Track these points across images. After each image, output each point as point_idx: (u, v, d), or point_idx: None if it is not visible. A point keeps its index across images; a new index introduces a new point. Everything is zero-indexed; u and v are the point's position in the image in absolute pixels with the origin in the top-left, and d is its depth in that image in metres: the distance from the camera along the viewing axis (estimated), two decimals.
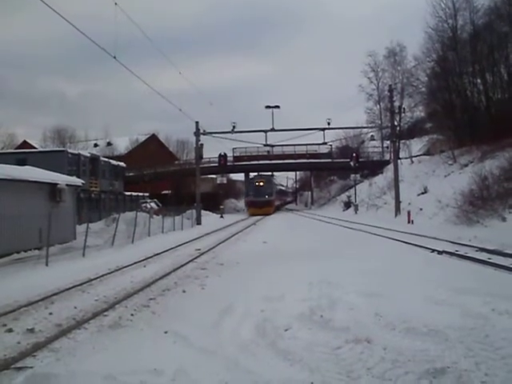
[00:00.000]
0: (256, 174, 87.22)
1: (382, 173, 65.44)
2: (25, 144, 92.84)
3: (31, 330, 9.77)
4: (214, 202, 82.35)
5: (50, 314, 11.28)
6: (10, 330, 9.81)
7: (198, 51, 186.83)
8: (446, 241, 22.98)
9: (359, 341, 7.86)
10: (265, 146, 57.97)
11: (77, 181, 33.15)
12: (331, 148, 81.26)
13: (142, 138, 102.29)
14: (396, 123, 54.82)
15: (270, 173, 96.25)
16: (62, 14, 16.22)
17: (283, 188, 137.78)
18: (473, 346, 7.42)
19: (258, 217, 67.25)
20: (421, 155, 62.35)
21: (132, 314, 10.83)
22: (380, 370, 6.76)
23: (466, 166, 41.69)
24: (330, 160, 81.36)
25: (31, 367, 7.55)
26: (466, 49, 48.81)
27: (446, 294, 10.78)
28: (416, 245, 22.41)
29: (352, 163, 56.79)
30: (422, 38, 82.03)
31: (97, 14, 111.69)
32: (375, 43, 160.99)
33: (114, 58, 21.21)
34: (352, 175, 73.20)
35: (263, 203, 76.63)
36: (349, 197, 67.92)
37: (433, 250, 20.23)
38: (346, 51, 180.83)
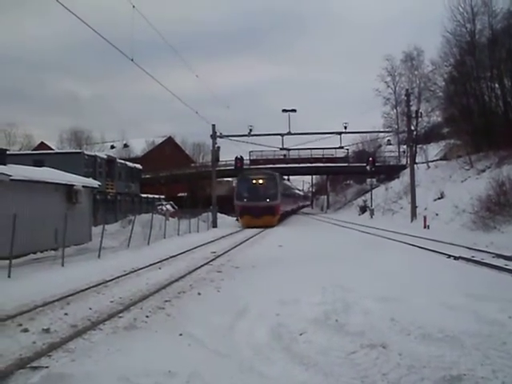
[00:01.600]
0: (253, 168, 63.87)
1: (398, 177, 65.21)
2: (42, 145, 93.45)
3: (47, 330, 9.81)
4: (229, 204, 67.01)
5: (66, 314, 11.32)
6: (26, 330, 9.86)
7: (214, 53, 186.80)
8: (463, 246, 22.85)
9: (374, 346, 7.82)
10: (281, 149, 57.87)
11: (93, 182, 33.28)
12: (348, 152, 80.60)
13: (159, 141, 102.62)
14: (413, 128, 54.72)
15: (276, 166, 73.08)
16: (80, 16, 16.22)
17: (299, 191, 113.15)
18: (489, 353, 7.32)
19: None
20: (437, 160, 62.07)
21: (147, 316, 10.85)
22: (395, 375, 6.72)
23: (483, 171, 41.47)
24: (346, 164, 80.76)
25: (46, 367, 7.58)
26: (484, 53, 48.55)
27: (461, 299, 10.68)
28: (432, 250, 22.30)
29: (368, 167, 56.61)
30: (439, 42, 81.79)
31: (114, 16, 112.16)
32: (392, 47, 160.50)
33: (132, 60, 21.26)
34: (368, 179, 72.91)
35: (262, 210, 47.72)
36: (365, 201, 67.69)
37: (449, 256, 20.12)
38: (363, 55, 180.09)
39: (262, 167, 67.81)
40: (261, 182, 50.47)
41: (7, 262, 16.64)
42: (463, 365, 6.92)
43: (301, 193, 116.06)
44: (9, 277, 16.08)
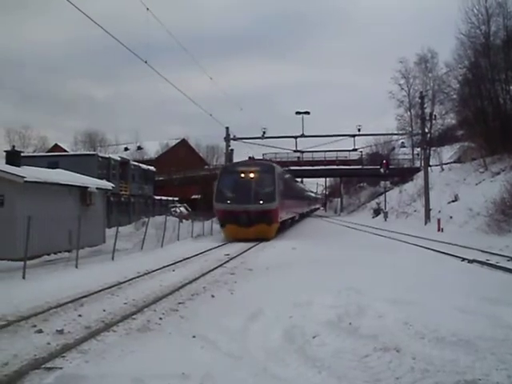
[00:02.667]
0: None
1: (412, 180, 64.93)
2: (56, 147, 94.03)
3: (60, 332, 9.84)
4: None
5: (80, 315, 11.36)
6: (40, 331, 9.90)
7: (227, 55, 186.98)
8: (477, 250, 22.73)
9: (388, 349, 7.79)
10: (295, 151, 57.76)
11: (107, 184, 33.44)
12: (361, 154, 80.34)
13: (172, 143, 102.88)
14: (427, 130, 54.37)
15: (290, 168, 66.48)
16: (95, 19, 16.22)
17: (311, 193, 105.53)
18: (505, 358, 7.25)
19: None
20: (451, 163, 61.90)
21: (160, 318, 10.87)
22: (409, 380, 6.69)
23: (498, 174, 41.25)
24: (360, 167, 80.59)
25: (61, 368, 7.62)
26: (499, 55, 48.24)
27: (476, 303, 10.60)
28: (446, 253, 22.23)
29: (382, 170, 56.53)
30: (453, 44, 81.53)
31: (128, 18, 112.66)
32: (406, 49, 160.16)
33: (146, 62, 21.32)
34: (382, 182, 72.75)
35: (253, 217, 33.41)
36: (378, 204, 67.51)
37: (463, 259, 20.04)
38: (378, 57, 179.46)
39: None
40: (251, 175, 34.64)
41: (22, 263, 16.72)
42: (478, 369, 6.88)
43: (312, 194, 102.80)
44: (23, 278, 16.18)
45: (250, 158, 47.18)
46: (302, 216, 66.38)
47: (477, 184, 43.29)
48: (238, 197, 33.80)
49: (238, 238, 32.47)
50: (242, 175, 34.80)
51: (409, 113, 75.11)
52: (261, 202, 33.19)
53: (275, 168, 36.58)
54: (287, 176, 48.39)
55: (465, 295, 11.43)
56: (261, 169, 35.78)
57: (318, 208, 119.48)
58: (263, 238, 32.09)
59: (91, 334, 9.72)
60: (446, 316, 9.45)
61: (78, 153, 68.43)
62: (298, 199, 57.59)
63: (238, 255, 24.23)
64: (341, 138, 52.93)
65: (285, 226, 41.56)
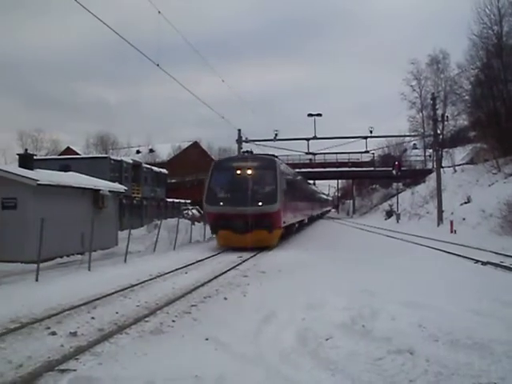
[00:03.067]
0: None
1: (424, 182, 64.71)
2: (68, 150, 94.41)
3: (74, 334, 9.86)
4: None
5: (93, 318, 11.38)
6: (54, 333, 9.93)
7: (238, 57, 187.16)
8: (490, 251, 22.64)
9: (401, 352, 7.75)
10: (307, 154, 57.71)
11: (119, 187, 33.52)
12: (373, 156, 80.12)
13: (185, 145, 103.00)
14: (439, 132, 54.19)
15: (302, 170, 64.65)
16: (107, 22, 16.27)
17: (323, 195, 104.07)
18: None
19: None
20: (464, 164, 61.54)
21: (173, 321, 10.87)
22: (423, 383, 6.68)
23: (511, 175, 41.04)
24: (372, 168, 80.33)
25: (74, 370, 7.64)
26: None
27: (490, 305, 10.56)
28: (459, 255, 22.12)
29: (394, 172, 56.36)
30: (465, 44, 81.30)
31: (140, 22, 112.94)
32: (418, 51, 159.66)
33: (158, 65, 21.37)
34: (394, 184, 72.57)
35: (251, 221, 28.09)
36: (391, 206, 67.33)
37: (476, 261, 19.92)
38: (388, 58, 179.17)
39: None
40: (249, 172, 29.67)
41: (35, 265, 16.79)
42: (493, 373, 6.84)
43: (323, 195, 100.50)
44: (36, 280, 16.25)
45: (246, 151, 38.23)
46: (312, 219, 60.93)
47: (490, 185, 43.06)
48: (232, 197, 28.82)
49: (232, 245, 27.90)
50: (238, 172, 29.67)
51: (421, 114, 74.99)
52: (259, 203, 28.01)
53: (277, 163, 30.90)
54: (293, 173, 43.02)
55: (479, 297, 11.38)
56: (260, 164, 30.35)
57: (330, 210, 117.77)
58: (263, 247, 27.73)
59: (104, 336, 9.74)
60: (459, 318, 9.42)
61: (91, 156, 68.76)
62: (307, 200, 52.28)
63: (251, 257, 24.19)
64: (353, 139, 52.90)
65: (290, 231, 36.45)
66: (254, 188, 28.62)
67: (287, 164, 50.47)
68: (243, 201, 27.74)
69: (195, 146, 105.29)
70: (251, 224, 27.21)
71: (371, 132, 50.37)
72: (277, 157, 34.69)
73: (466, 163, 61.95)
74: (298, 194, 42.30)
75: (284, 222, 30.43)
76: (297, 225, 40.18)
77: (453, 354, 7.64)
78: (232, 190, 29.22)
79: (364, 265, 18.43)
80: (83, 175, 30.90)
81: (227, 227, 28.19)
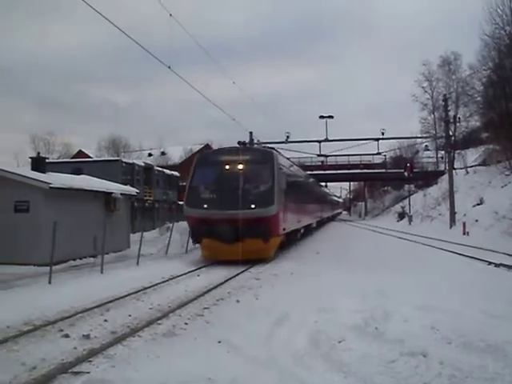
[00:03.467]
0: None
1: (436, 183, 64.50)
2: (80, 153, 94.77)
3: (87, 337, 9.90)
4: None
5: (105, 321, 11.42)
6: (67, 336, 9.98)
7: (249, 59, 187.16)
8: (503, 253, 22.54)
9: (414, 354, 7.71)
10: (318, 156, 57.56)
11: (131, 190, 33.58)
12: (385, 158, 79.82)
13: (196, 148, 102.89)
14: (451, 133, 53.98)
15: (313, 172, 61.21)
16: (119, 25, 16.33)
17: (335, 196, 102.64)
18: None
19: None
20: (476, 165, 61.20)
21: (186, 323, 10.88)
22: None
23: None
24: (383, 170, 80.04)
25: (87, 372, 7.67)
26: None
27: (503, 308, 10.49)
28: (472, 257, 22.02)
29: (406, 173, 56.16)
30: (477, 45, 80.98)
31: (152, 24, 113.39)
32: (429, 51, 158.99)
33: (169, 67, 21.39)
34: (406, 186, 72.32)
35: (242, 228, 22.38)
36: (403, 207, 67.17)
37: (489, 263, 19.85)
38: (399, 60, 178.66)
39: None
40: (240, 167, 24.40)
41: (47, 268, 16.85)
42: (508, 376, 6.80)
43: (334, 197, 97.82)
44: (49, 283, 16.30)
45: (239, 142, 31.27)
46: (322, 222, 57.22)
47: (502, 187, 42.84)
48: (218, 199, 23.49)
49: (219, 257, 23.18)
50: (226, 167, 24.47)
51: (432, 116, 74.64)
52: (252, 205, 22.83)
53: (275, 156, 25.42)
54: (296, 170, 36.95)
55: (492, 299, 11.32)
56: (253, 157, 25.03)
57: (341, 212, 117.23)
58: (258, 259, 22.95)
59: (117, 339, 9.77)
60: (473, 320, 9.36)
61: (102, 159, 68.85)
62: (315, 202, 47.69)
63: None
64: (364, 141, 52.73)
65: (293, 239, 31.68)
66: (245, 187, 23.41)
67: (299, 166, 49.16)
68: (232, 203, 22.56)
69: (207, 148, 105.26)
70: (242, 231, 22.01)
71: (383, 134, 50.16)
72: (276, 150, 28.30)
73: (479, 164, 61.63)
74: (304, 195, 37.48)
75: (284, 229, 25.61)
76: (302, 230, 35.62)
77: (466, 356, 7.59)
78: (218, 189, 23.98)
79: (376, 267, 18.37)
80: (95, 178, 30.98)
81: (212, 235, 22.96)
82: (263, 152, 26.54)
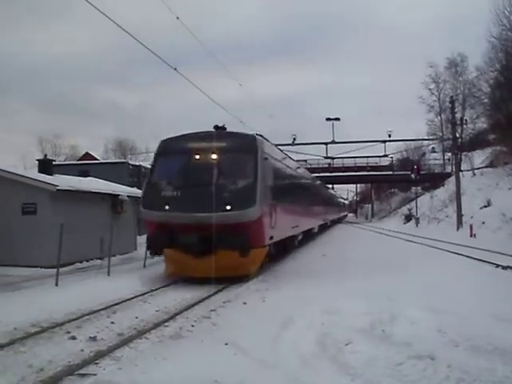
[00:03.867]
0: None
1: (443, 185, 64.30)
2: (87, 155, 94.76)
3: (93, 338, 9.91)
4: None
5: (112, 323, 11.43)
6: (74, 338, 9.99)
7: (255, 62, 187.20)
8: (511, 256, 22.41)
9: (422, 357, 7.70)
10: (325, 158, 57.59)
11: (138, 192, 33.58)
12: (392, 160, 79.68)
13: None
14: (458, 135, 53.85)
15: (320, 174, 59.15)
16: (123, 26, 16.33)
17: (341, 199, 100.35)
18: None
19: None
20: (483, 167, 61.03)
21: (193, 325, 10.86)
22: None
23: None
24: (390, 172, 79.85)
25: (94, 374, 7.67)
26: None
27: (511, 310, 10.47)
28: (479, 259, 21.94)
29: (413, 176, 56.10)
30: (484, 47, 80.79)
31: (158, 26, 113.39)
32: (435, 53, 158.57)
33: (175, 69, 21.41)
34: (413, 188, 72.22)
35: (214, 237, 16.62)
36: (410, 210, 67.00)
37: (497, 265, 19.75)
38: (406, 61, 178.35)
39: None
40: (213, 157, 19.09)
41: (54, 270, 16.88)
42: None
43: (340, 199, 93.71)
44: (56, 285, 16.33)
45: (216, 127, 21.22)
46: (325, 226, 52.68)
47: (510, 188, 42.64)
48: (184, 198, 18.04)
49: (186, 273, 18.19)
50: (196, 157, 18.98)
51: (439, 117, 74.51)
52: (228, 206, 17.47)
53: (258, 143, 19.68)
54: (291, 164, 29.69)
55: (500, 302, 11.31)
56: (231, 145, 19.28)
57: (347, 215, 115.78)
58: (236, 277, 17.68)
59: (124, 341, 9.77)
60: (480, 323, 9.35)
61: (109, 161, 69.03)
62: (317, 203, 41.60)
63: (269, 262, 24.08)
64: (371, 143, 52.72)
65: (287, 248, 26.23)
66: (219, 182, 18.15)
67: (305, 168, 46.12)
68: (201, 203, 17.43)
69: None
70: (214, 241, 16.71)
71: (390, 136, 50.16)
72: (262, 136, 21.63)
73: (486, 166, 61.48)
74: (302, 195, 32.08)
75: (272, 237, 20.05)
76: (300, 237, 30.64)
77: (474, 359, 7.57)
78: (184, 185, 18.47)
79: (383, 269, 18.35)
80: (102, 180, 31.07)
81: (176, 246, 17.77)
82: (244, 138, 20.07)
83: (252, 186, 18.19)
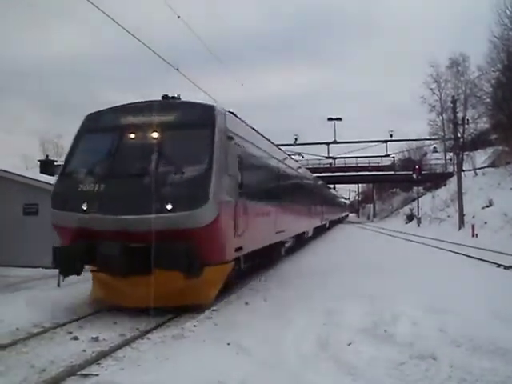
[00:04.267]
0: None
1: (445, 185, 64.29)
2: None
3: (96, 339, 9.91)
4: None
5: (115, 323, 11.43)
6: (76, 338, 10.02)
7: (257, 62, 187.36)
8: None
9: (424, 357, 7.71)
10: (327, 158, 57.56)
11: None
12: (393, 160, 79.68)
13: None
14: (459, 135, 53.79)
15: (322, 174, 58.10)
16: (127, 27, 16.32)
17: (342, 199, 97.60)
18: None
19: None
20: (485, 167, 61.02)
21: (194, 326, 10.83)
22: None
23: None
24: (392, 172, 79.82)
25: (96, 375, 7.69)
26: None
27: None
28: (481, 259, 21.95)
29: (414, 175, 56.07)
30: (485, 47, 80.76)
31: (160, 26, 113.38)
32: (437, 53, 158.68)
33: (177, 70, 21.41)
34: (414, 188, 72.20)
35: (151, 249, 11.07)
36: (411, 209, 67.03)
37: (499, 265, 19.75)
38: (407, 61, 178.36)
39: None
40: (153, 136, 13.13)
41: (56, 271, 16.83)
42: None
43: (340, 198, 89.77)
44: (58, 286, 16.30)
45: (165, 97, 14.67)
46: (323, 228, 47.59)
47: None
48: (108, 194, 12.67)
49: (114, 303, 12.93)
50: (130, 136, 13.67)
51: (441, 117, 74.48)
52: (168, 206, 12.06)
53: (218, 116, 13.68)
54: (272, 149, 22.10)
55: (502, 302, 11.27)
56: (178, 118, 13.66)
57: (348, 215, 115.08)
58: (185, 307, 12.62)
59: (126, 341, 9.78)
60: (482, 323, 9.33)
61: None
62: (311, 202, 34.48)
63: (273, 262, 24.03)
64: (373, 143, 52.70)
65: (269, 259, 20.77)
66: (160, 171, 12.62)
67: (307, 168, 43.65)
68: (132, 201, 12.21)
69: None
70: (151, 256, 11.35)
71: (391, 136, 50.12)
72: (233, 113, 15.95)
73: (488, 166, 61.48)
74: (288, 191, 24.97)
75: (239, 248, 14.28)
76: (289, 243, 25.82)
77: (476, 359, 7.57)
78: (110, 175, 12.94)
79: (383, 270, 18.30)
80: None
81: (97, 262, 12.59)
82: (197, 109, 13.96)
83: (204, 175, 12.32)
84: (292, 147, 51.56)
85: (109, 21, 15.02)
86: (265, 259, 19.65)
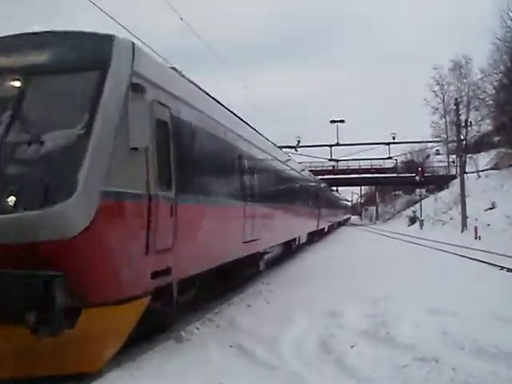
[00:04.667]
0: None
1: (447, 187, 64.16)
2: None
3: None
4: None
5: None
6: None
7: (259, 64, 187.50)
8: None
9: (426, 359, 7.69)
10: (330, 160, 57.51)
11: None
12: (396, 162, 79.56)
13: None
14: (462, 137, 53.75)
15: (324, 177, 57.53)
16: (129, 28, 16.23)
17: (346, 201, 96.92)
18: None
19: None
20: (488, 169, 60.89)
21: (197, 328, 10.82)
22: None
23: None
24: (395, 175, 79.69)
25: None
26: None
27: None
28: (483, 262, 21.87)
29: (417, 178, 55.99)
30: (488, 49, 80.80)
31: (163, 27, 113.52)
32: (440, 56, 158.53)
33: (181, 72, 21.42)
34: (417, 190, 72.11)
35: None
36: (414, 212, 66.87)
37: (502, 268, 19.69)
38: (409, 63, 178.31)
39: None
40: (15, 85, 7.80)
41: None
42: None
43: (343, 201, 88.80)
44: None
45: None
46: (321, 233, 43.48)
47: None
48: None
49: None
50: None
51: (444, 120, 74.49)
52: (10, 199, 6.65)
53: (118, 51, 8.04)
54: (222, 113, 14.69)
55: (504, 305, 11.26)
56: (53, 57, 8.22)
57: (350, 218, 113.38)
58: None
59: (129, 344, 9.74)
60: (485, 326, 9.33)
61: None
62: (304, 203, 30.79)
63: (275, 264, 23.96)
64: (376, 146, 52.68)
65: (222, 286, 14.55)
66: (8, 141, 7.29)
67: (310, 170, 41.40)
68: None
69: None
70: None
71: (394, 138, 50.15)
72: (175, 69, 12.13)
73: (491, 168, 61.34)
74: (263, 183, 18.13)
75: (166, 271, 8.87)
76: (270, 253, 22.69)
77: (479, 362, 7.56)
78: None
79: (386, 271, 18.29)
80: None
81: None
82: (83, 43, 8.38)
83: (74, 148, 7.27)
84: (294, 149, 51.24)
85: (110, 21, 15.05)
86: (229, 280, 14.93)
